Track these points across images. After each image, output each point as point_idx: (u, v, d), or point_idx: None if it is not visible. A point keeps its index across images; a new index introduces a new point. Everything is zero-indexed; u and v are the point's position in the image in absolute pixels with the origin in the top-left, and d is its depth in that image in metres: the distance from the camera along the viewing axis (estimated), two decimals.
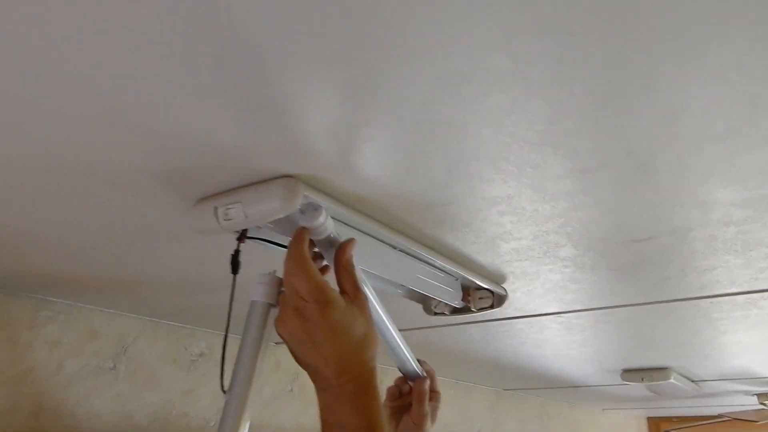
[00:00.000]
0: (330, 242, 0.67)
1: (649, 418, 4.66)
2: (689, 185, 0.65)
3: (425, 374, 0.96)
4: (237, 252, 0.70)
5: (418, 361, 0.97)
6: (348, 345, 0.62)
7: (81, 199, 0.68)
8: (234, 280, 0.70)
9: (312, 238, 0.65)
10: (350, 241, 0.67)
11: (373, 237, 0.78)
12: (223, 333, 0.69)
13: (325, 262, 0.70)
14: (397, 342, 0.86)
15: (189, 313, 1.30)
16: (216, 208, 0.66)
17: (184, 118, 0.51)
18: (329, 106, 0.49)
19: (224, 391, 0.68)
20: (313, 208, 0.63)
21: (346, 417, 0.61)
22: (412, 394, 0.95)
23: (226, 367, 0.68)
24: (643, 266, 0.92)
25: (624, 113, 0.51)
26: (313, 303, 0.60)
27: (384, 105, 0.49)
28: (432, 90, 0.47)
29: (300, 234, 0.63)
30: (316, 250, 0.69)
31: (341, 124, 0.52)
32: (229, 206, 0.65)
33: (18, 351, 1.10)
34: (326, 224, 0.64)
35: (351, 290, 0.65)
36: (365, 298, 0.66)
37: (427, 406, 0.95)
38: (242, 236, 0.70)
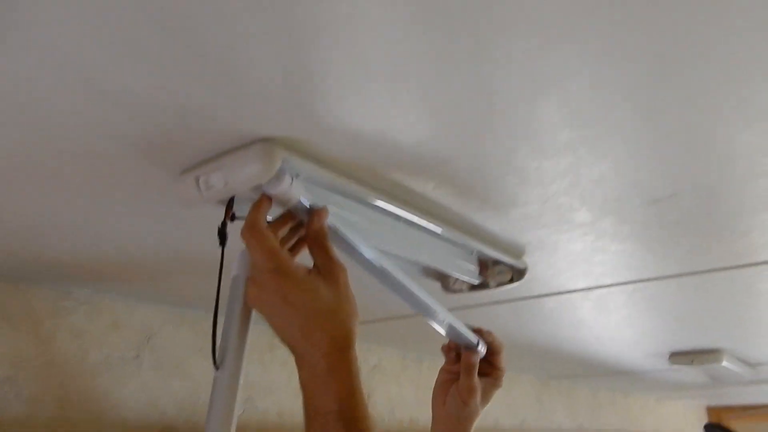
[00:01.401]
0: (309, 213, 0.64)
1: (708, 408, 4.47)
2: (706, 128, 0.59)
3: (483, 345, 0.92)
4: (224, 223, 0.67)
5: (480, 331, 0.92)
6: (311, 318, 0.59)
7: (68, 179, 0.67)
8: (222, 252, 0.68)
9: (284, 207, 0.62)
10: (321, 210, 0.64)
11: (370, 206, 0.74)
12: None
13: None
14: (431, 308, 0.81)
15: (212, 301, 1.29)
16: (198, 178, 0.64)
17: (149, 82, 0.49)
18: (289, 54, 0.46)
19: (216, 367, 0.66)
20: (278, 175, 0.60)
21: (319, 399, 0.57)
22: (461, 365, 0.91)
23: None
24: (669, 231, 0.85)
25: (622, 42, 0.46)
26: (266, 272, 0.58)
27: (355, 48, 0.46)
28: (408, 24, 0.43)
29: (258, 201, 0.60)
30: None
31: (304, 74, 0.49)
32: (210, 174, 0.63)
33: (41, 341, 1.11)
34: (292, 191, 0.60)
35: (320, 261, 0.62)
36: (340, 270, 0.62)
37: (477, 381, 0.90)
38: (230, 206, 0.67)
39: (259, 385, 1.48)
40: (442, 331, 0.87)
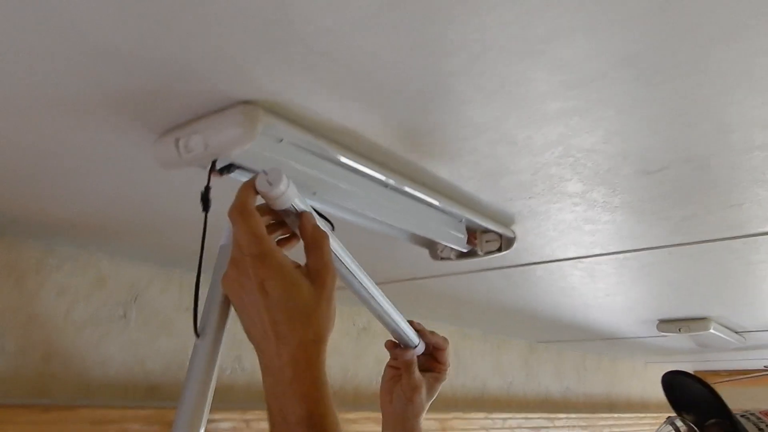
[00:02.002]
0: (298, 216, 0.61)
1: (695, 372, 4.54)
2: (701, 99, 0.57)
3: (422, 343, 0.90)
4: (207, 188, 0.65)
5: (422, 332, 0.91)
6: (285, 314, 0.55)
7: (48, 128, 0.65)
8: (205, 218, 0.66)
9: (275, 208, 0.59)
10: (305, 215, 0.61)
11: (356, 172, 0.72)
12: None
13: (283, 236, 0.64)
14: (380, 306, 0.80)
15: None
16: (177, 140, 0.62)
17: (127, 33, 0.47)
18: (271, 7, 0.44)
19: (197, 335, 0.65)
20: (275, 175, 0.57)
21: (287, 406, 0.54)
22: (400, 363, 0.90)
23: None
24: (661, 202, 0.84)
25: (608, 7, 0.44)
26: (248, 255, 0.55)
27: (321, 12, 0.44)
28: None
29: (247, 183, 0.57)
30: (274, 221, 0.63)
31: (285, 29, 0.47)
32: (190, 137, 0.61)
33: (25, 296, 1.11)
34: (288, 193, 0.57)
35: (314, 264, 0.58)
36: (330, 275, 0.59)
37: (419, 378, 0.89)
38: (212, 170, 0.65)
39: (248, 343, 1.48)
40: (385, 326, 0.86)
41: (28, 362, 1.09)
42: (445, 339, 0.93)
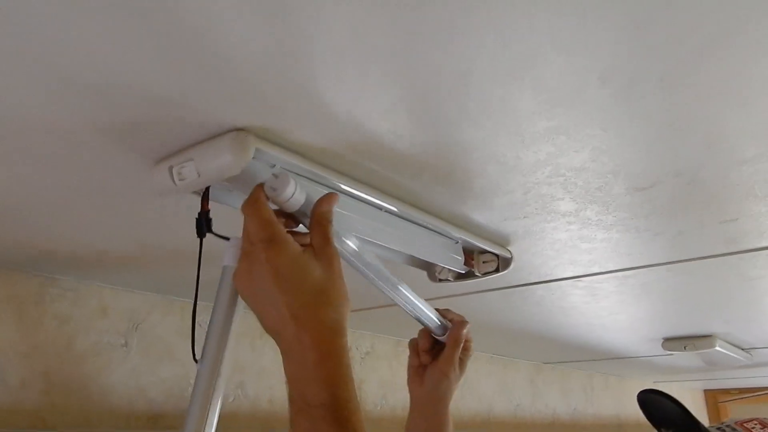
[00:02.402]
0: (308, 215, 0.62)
1: (705, 391, 4.49)
2: (685, 113, 0.58)
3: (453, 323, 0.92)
4: (201, 213, 0.66)
5: (442, 310, 0.93)
6: (301, 296, 0.55)
7: (44, 164, 0.66)
8: (201, 244, 0.67)
9: (284, 209, 0.60)
10: (331, 195, 0.61)
11: (351, 195, 0.73)
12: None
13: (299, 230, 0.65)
14: (410, 299, 0.81)
15: (203, 289, 1.28)
16: (171, 168, 0.63)
17: (119, 69, 0.48)
18: (262, 40, 0.45)
19: (196, 361, 0.66)
20: (283, 178, 0.58)
21: (310, 390, 0.53)
22: (447, 340, 0.91)
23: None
24: (655, 219, 0.84)
25: (589, 24, 0.45)
26: (259, 242, 0.55)
27: (324, 31, 0.45)
28: (353, 6, 0.42)
29: (258, 187, 0.58)
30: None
31: (276, 60, 0.48)
32: (183, 165, 0.62)
33: (26, 328, 1.11)
34: (295, 197, 0.59)
35: (318, 242, 0.59)
36: (335, 255, 0.59)
37: (458, 354, 0.91)
38: (206, 197, 0.66)
39: (251, 370, 1.48)
40: (414, 313, 0.87)
41: (29, 394, 1.09)
42: (461, 317, 0.94)
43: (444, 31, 0.45)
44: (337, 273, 0.59)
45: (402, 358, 1.96)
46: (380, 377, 1.85)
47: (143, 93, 0.52)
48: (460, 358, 0.93)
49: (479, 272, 0.99)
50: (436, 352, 0.92)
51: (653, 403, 1.12)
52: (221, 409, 0.63)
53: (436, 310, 0.90)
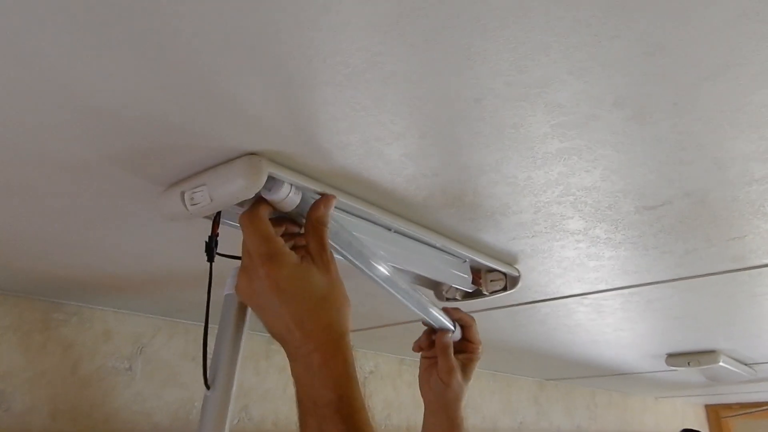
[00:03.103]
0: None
1: (707, 406, 4.47)
2: (695, 135, 0.58)
3: (457, 327, 0.92)
4: (211, 238, 0.66)
5: (451, 310, 0.92)
6: (303, 305, 0.57)
7: (51, 192, 0.66)
8: (210, 268, 0.67)
9: (282, 212, 0.62)
10: (326, 198, 0.62)
11: (360, 216, 0.73)
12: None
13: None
14: (408, 293, 0.81)
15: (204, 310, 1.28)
16: (183, 193, 0.63)
17: (132, 99, 0.48)
18: (271, 67, 0.45)
19: (208, 387, 0.65)
20: (274, 182, 0.59)
21: (316, 391, 0.56)
22: (436, 348, 0.91)
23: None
24: (663, 237, 0.85)
25: (603, 51, 0.45)
26: (257, 257, 0.57)
27: (326, 63, 0.45)
28: (369, 33, 0.42)
29: (258, 201, 0.60)
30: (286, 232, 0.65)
31: (288, 86, 0.48)
32: (195, 190, 0.62)
33: (31, 354, 1.10)
34: (290, 197, 0.60)
35: (314, 248, 0.61)
36: (331, 259, 0.62)
37: (453, 360, 0.91)
38: (216, 221, 0.66)
39: (255, 393, 1.47)
40: (418, 313, 0.87)
41: (35, 420, 1.08)
42: (470, 316, 0.94)
43: (461, 57, 0.45)
44: (335, 277, 0.61)
45: (406, 377, 1.95)
46: (384, 397, 1.84)
47: (156, 121, 0.52)
48: (465, 365, 0.92)
49: (487, 291, 0.99)
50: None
51: None
52: None
53: (443, 309, 0.90)
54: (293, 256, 0.59)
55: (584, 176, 0.66)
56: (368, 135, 0.56)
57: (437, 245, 0.85)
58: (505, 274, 0.98)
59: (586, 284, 1.08)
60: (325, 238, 0.62)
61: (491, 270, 0.98)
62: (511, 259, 0.94)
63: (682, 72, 0.48)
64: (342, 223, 0.69)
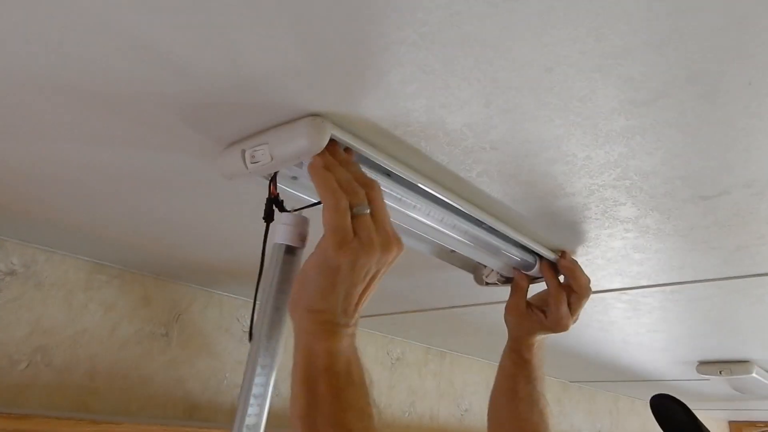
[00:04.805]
0: None
1: (730, 422, 4.39)
2: (767, 120, 0.57)
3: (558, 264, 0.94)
4: (271, 197, 0.66)
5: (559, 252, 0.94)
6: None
7: (113, 139, 0.67)
8: (267, 227, 0.67)
9: None
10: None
11: (412, 189, 0.73)
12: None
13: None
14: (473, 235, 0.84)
15: (241, 282, 1.29)
16: (243, 151, 0.64)
17: (211, 50, 0.49)
18: (349, 27, 0.45)
19: (250, 339, 0.66)
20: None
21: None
22: (549, 297, 0.94)
23: None
24: (715, 230, 0.83)
25: (684, 22, 0.45)
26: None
27: (398, 20, 0.45)
28: None
29: (317, 158, 0.59)
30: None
31: (362, 47, 0.48)
32: (257, 148, 0.63)
33: (74, 312, 1.13)
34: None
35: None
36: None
37: (564, 306, 0.94)
38: (274, 181, 0.66)
39: (281, 370, 1.48)
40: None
41: (73, 377, 1.11)
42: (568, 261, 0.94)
43: (540, 21, 0.45)
44: (315, 255, 0.61)
45: (431, 366, 1.95)
46: (409, 385, 1.84)
47: (223, 77, 0.53)
48: (569, 301, 0.94)
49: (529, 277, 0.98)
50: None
51: (666, 409, 1.11)
52: None
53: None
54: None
55: (645, 159, 0.65)
56: (434, 101, 0.56)
57: (484, 225, 0.84)
58: (548, 261, 0.97)
59: (628, 278, 1.07)
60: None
61: (535, 255, 0.97)
62: (555, 246, 0.93)
63: (761, 49, 0.47)
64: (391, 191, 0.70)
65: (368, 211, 0.59)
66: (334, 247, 0.57)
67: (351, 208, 0.58)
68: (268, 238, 0.67)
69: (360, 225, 0.58)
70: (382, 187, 0.69)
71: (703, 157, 0.64)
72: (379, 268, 0.60)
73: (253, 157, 0.63)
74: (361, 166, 0.65)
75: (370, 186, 0.60)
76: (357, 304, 0.60)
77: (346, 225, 0.57)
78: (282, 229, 0.65)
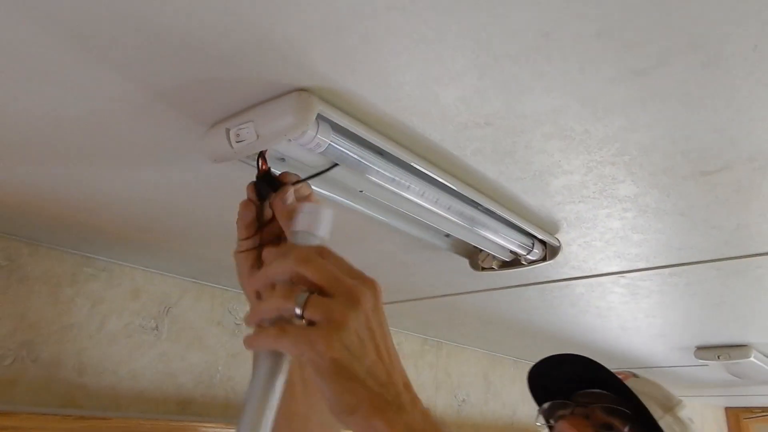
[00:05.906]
0: None
1: (727, 409, 4.39)
2: None
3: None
4: (260, 175, 0.63)
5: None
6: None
7: (95, 125, 0.64)
8: (262, 207, 0.63)
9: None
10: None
11: (404, 168, 0.71)
12: None
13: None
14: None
15: (232, 274, 1.26)
16: (228, 130, 0.61)
17: (193, 19, 0.46)
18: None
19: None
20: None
21: None
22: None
23: None
24: (715, 208, 0.81)
25: None
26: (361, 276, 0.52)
27: None
28: None
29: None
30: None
31: (348, 17, 0.46)
32: (241, 126, 0.60)
33: (60, 307, 1.10)
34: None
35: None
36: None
37: None
38: (262, 157, 0.63)
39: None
40: None
41: (61, 372, 1.08)
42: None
43: None
44: None
45: (428, 357, 1.93)
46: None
47: (204, 49, 0.50)
48: None
49: (525, 260, 0.96)
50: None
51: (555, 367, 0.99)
52: None
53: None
54: None
55: (644, 133, 0.63)
56: (426, 74, 0.54)
57: (479, 206, 0.82)
58: (545, 243, 0.95)
59: (626, 261, 1.05)
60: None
61: (532, 238, 0.95)
62: (552, 228, 0.91)
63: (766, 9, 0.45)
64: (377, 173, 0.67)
65: (306, 294, 0.47)
66: (312, 350, 0.45)
67: (294, 308, 0.47)
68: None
69: (312, 311, 0.46)
70: (375, 167, 0.67)
71: (705, 129, 0.62)
72: (367, 316, 0.48)
73: (238, 135, 0.60)
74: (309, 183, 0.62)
75: (297, 260, 0.49)
76: (386, 365, 0.48)
77: (301, 331, 0.46)
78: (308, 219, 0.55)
